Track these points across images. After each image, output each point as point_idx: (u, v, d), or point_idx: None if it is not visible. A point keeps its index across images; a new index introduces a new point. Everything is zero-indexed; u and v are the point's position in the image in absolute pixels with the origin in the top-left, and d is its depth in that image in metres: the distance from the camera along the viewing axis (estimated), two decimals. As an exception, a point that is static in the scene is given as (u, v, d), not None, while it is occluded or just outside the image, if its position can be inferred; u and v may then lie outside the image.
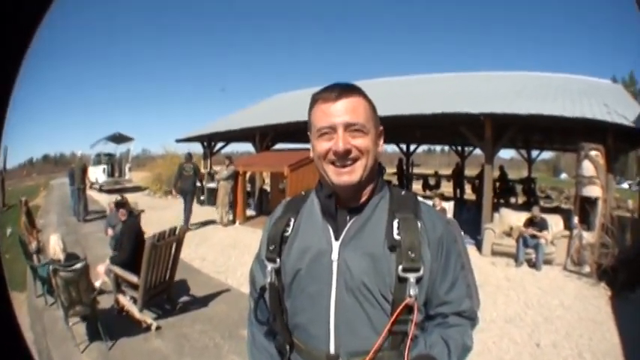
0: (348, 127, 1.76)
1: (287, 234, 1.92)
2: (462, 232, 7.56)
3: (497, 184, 24.68)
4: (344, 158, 1.75)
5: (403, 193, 1.94)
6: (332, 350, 1.77)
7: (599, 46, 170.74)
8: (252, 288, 2.17)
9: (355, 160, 1.77)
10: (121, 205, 8.36)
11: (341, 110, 1.77)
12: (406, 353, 1.71)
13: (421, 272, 1.73)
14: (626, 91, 19.17)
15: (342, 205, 1.85)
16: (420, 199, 1.95)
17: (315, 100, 1.85)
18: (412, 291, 1.70)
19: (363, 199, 1.86)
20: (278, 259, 1.90)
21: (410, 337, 1.72)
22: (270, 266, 1.92)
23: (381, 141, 1.95)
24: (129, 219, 8.12)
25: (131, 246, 7.66)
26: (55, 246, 7.50)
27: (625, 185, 44.52)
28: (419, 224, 1.80)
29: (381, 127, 1.95)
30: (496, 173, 21.96)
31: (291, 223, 1.94)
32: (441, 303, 1.86)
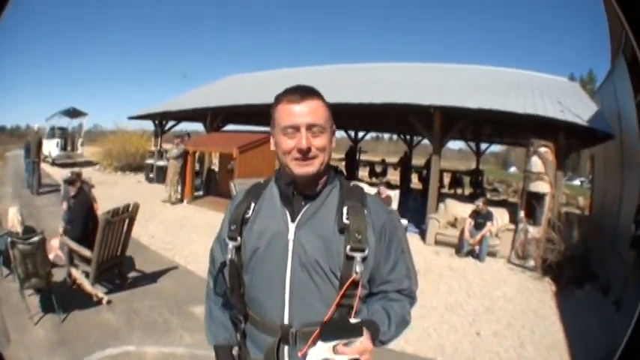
0: (310, 127, 1.95)
1: (248, 216, 2.08)
2: (407, 221, 7.92)
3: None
4: (306, 154, 1.93)
5: (352, 184, 2.16)
6: (286, 321, 1.95)
7: (559, 44, 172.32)
8: (212, 266, 2.35)
9: (314, 157, 1.96)
10: (69, 182, 8.31)
11: (304, 112, 1.96)
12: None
13: (366, 252, 1.94)
14: (582, 90, 19.38)
15: (298, 192, 2.03)
16: (365, 190, 2.16)
17: (280, 100, 2.03)
18: (358, 268, 1.90)
19: (318, 188, 2.04)
20: (239, 238, 2.05)
21: (354, 310, 1.93)
22: (231, 244, 2.07)
23: (334, 138, 2.15)
24: (79, 194, 8.07)
25: (82, 221, 7.64)
26: (13, 218, 7.48)
27: (577, 182, 45.49)
28: (365, 211, 2.01)
29: (334, 126, 2.14)
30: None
31: (252, 207, 2.10)
32: (383, 282, 2.09)
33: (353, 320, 1.82)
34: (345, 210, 1.97)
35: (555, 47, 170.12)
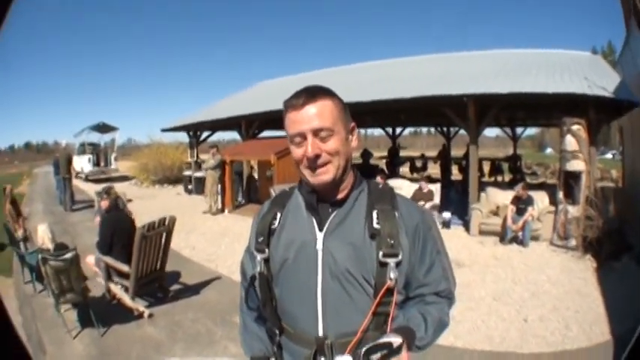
0: (316, 132, 1.86)
1: (274, 227, 2.03)
2: (450, 214, 7.90)
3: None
4: (315, 162, 1.86)
5: (380, 186, 2.07)
6: (320, 333, 1.88)
7: (578, 17, 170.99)
8: (243, 278, 2.31)
9: (326, 162, 1.87)
10: (101, 197, 8.38)
11: (307, 117, 1.87)
12: (388, 330, 1.84)
13: (400, 257, 1.86)
14: (605, 62, 19.12)
15: (323, 199, 1.97)
16: (396, 191, 2.08)
17: (285, 107, 1.94)
18: (392, 274, 1.82)
19: (344, 193, 1.98)
20: (267, 250, 2.01)
21: (391, 317, 1.87)
22: (259, 257, 2.03)
23: (355, 136, 2.04)
24: (112, 209, 8.06)
25: (109, 235, 7.63)
26: (43, 235, 7.55)
27: (609, 155, 44.87)
28: (396, 214, 1.93)
29: (353, 124, 2.03)
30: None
31: (278, 217, 2.05)
32: (420, 285, 2.01)
33: (395, 341, 1.72)
34: (375, 214, 1.91)
35: (574, 22, 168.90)
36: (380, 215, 1.89)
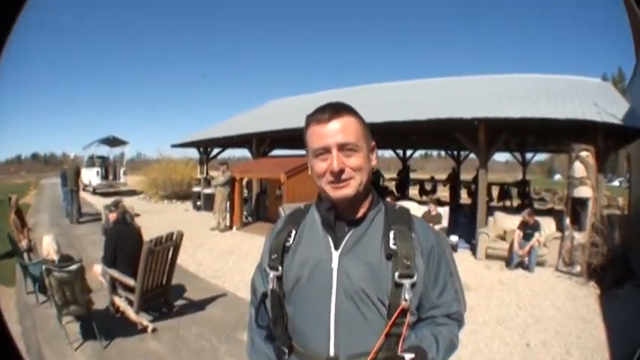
0: (342, 147, 1.86)
1: (288, 244, 2.01)
2: (458, 237, 7.93)
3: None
4: (339, 176, 1.85)
5: (397, 207, 2.07)
6: (332, 352, 1.86)
7: (589, 44, 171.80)
8: (253, 296, 2.28)
9: (350, 178, 1.86)
10: (109, 210, 8.44)
11: (333, 131, 1.87)
12: (399, 351, 1.84)
13: (415, 278, 1.84)
14: (615, 89, 19.11)
15: (341, 217, 1.96)
16: (411, 212, 2.08)
17: (309, 121, 1.95)
18: (407, 295, 1.82)
19: (361, 212, 1.97)
20: (280, 267, 1.98)
21: (402, 338, 1.84)
22: (272, 274, 2.01)
23: (374, 155, 2.05)
24: (119, 223, 8.12)
25: (113, 249, 7.68)
26: (48, 247, 7.57)
27: (616, 183, 44.84)
28: (413, 235, 1.92)
29: (373, 142, 2.04)
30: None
31: (293, 234, 2.03)
32: (432, 307, 2.00)
33: (407, 357, 1.78)
34: (391, 235, 1.90)
35: (585, 48, 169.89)
36: (397, 236, 1.89)
